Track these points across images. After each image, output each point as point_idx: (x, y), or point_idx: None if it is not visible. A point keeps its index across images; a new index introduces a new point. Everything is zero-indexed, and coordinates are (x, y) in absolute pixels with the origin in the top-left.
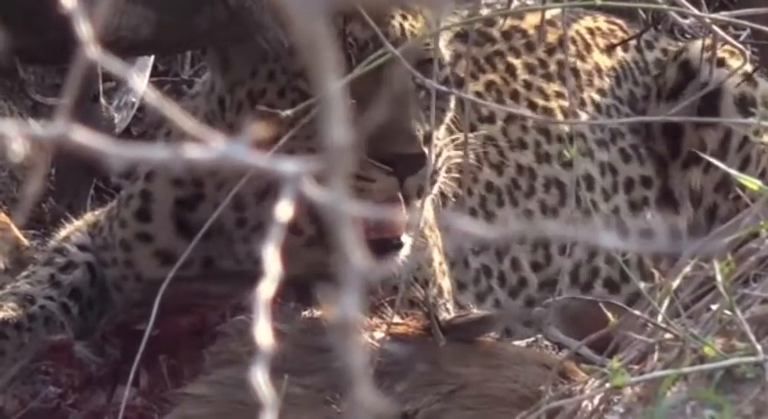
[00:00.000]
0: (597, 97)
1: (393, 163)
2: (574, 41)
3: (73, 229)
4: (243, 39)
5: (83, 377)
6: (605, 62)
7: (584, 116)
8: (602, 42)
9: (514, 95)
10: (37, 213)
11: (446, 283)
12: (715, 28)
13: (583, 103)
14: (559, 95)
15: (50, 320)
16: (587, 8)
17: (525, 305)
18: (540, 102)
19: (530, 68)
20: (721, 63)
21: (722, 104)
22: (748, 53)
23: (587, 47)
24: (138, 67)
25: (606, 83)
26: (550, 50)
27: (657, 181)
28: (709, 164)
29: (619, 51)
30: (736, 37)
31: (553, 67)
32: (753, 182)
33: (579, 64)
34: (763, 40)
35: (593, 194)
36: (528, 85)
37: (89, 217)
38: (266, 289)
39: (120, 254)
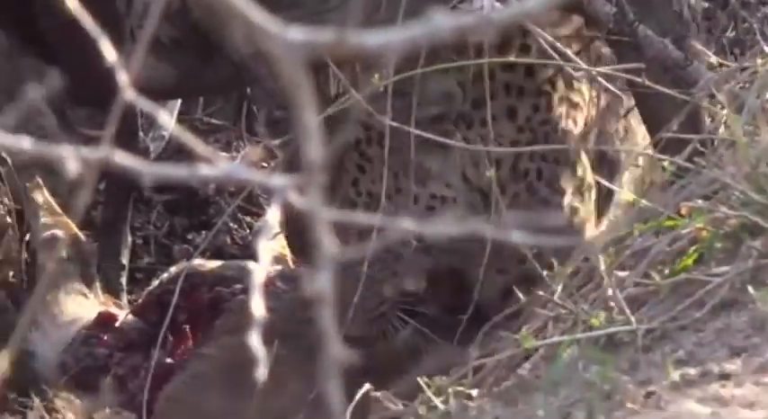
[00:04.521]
0: None
1: None
2: None
3: None
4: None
5: (125, 341)
6: None
7: None
8: None
9: None
10: (88, 219)
11: None
12: (600, 79)
13: None
14: None
15: None
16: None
17: None
18: None
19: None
20: None
21: None
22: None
23: None
24: (167, 109)
25: None
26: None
27: None
28: None
29: None
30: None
31: None
32: (629, 195)
33: None
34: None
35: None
36: None
37: None
38: (259, 274)
39: None
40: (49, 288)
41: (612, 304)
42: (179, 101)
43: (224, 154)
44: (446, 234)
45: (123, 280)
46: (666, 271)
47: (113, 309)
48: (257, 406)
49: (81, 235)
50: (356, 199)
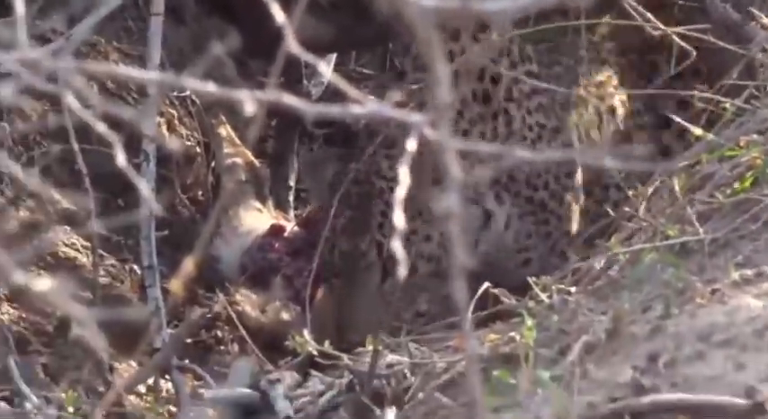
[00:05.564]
0: None
1: None
2: None
3: None
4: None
5: (292, 247)
6: None
7: None
8: None
9: None
10: (261, 149)
11: None
12: (674, 37)
13: None
14: None
15: None
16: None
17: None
18: None
19: None
20: None
21: None
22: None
23: None
24: (326, 60)
25: None
26: None
27: None
28: None
29: None
30: None
31: None
32: (696, 130)
33: None
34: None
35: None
36: None
37: None
38: (400, 195)
39: None
40: (230, 205)
41: (685, 217)
42: (335, 54)
43: (371, 97)
44: (551, 160)
45: (290, 198)
46: (728, 192)
47: (283, 222)
48: (397, 300)
49: (256, 162)
50: (382, 239)
